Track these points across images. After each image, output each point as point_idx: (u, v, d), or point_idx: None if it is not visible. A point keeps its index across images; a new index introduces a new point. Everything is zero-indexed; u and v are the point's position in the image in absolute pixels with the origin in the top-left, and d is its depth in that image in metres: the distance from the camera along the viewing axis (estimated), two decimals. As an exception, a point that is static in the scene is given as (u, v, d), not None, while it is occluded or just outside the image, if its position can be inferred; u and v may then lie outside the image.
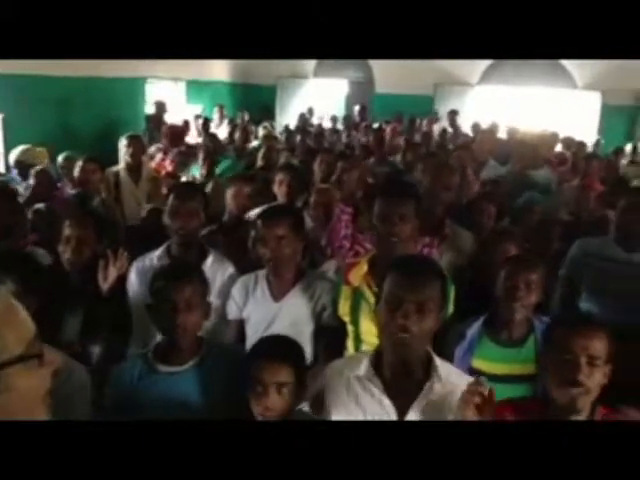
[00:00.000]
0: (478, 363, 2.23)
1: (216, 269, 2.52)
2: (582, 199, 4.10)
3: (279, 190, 3.67)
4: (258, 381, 1.75)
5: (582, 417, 1.68)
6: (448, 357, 2.32)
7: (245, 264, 2.68)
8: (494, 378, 2.12)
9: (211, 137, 6.70)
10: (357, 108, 9.56)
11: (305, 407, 2.13)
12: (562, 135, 7.88)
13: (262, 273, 2.48)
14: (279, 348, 1.85)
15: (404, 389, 1.65)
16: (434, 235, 2.80)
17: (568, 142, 7.59)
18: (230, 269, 2.60)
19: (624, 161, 6.79)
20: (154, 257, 2.58)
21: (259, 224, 2.42)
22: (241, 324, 2.47)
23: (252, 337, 2.35)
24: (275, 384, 1.75)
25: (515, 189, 4.56)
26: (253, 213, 3.30)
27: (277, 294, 2.42)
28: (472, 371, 2.22)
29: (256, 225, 2.48)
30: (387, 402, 1.64)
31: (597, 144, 7.71)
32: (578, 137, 8.42)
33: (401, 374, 1.65)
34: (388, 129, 8.32)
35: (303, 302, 2.40)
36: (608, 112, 9.82)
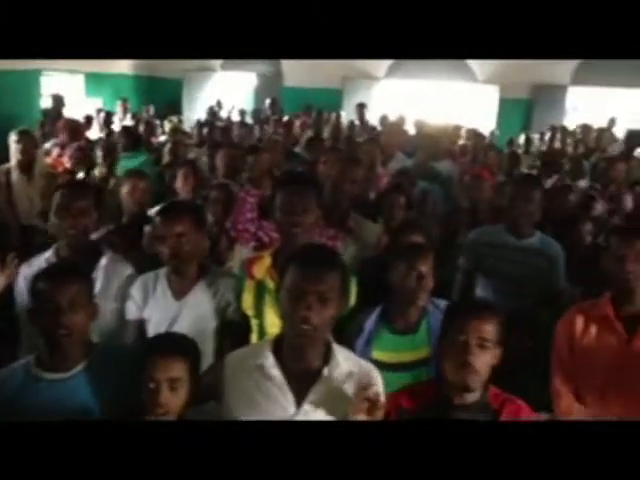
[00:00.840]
0: (377, 354, 2.26)
1: (112, 270, 2.43)
2: (475, 189, 4.25)
3: (180, 186, 3.58)
4: (150, 378, 1.74)
5: (475, 397, 1.76)
6: (348, 348, 2.35)
7: (145, 263, 2.58)
8: (394, 367, 2.20)
9: (125, 132, 6.25)
10: (268, 101, 9.49)
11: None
12: (466, 128, 8.19)
13: (162, 271, 2.42)
14: (171, 344, 1.85)
15: (303, 376, 1.68)
16: (338, 228, 2.82)
17: (470, 134, 7.88)
18: (128, 269, 2.51)
19: (519, 151, 7.12)
20: (43, 260, 2.44)
21: (157, 221, 2.36)
22: (142, 324, 2.39)
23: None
24: (167, 380, 1.73)
25: (418, 180, 4.68)
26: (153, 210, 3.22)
27: (178, 292, 2.37)
28: (373, 362, 2.22)
29: (154, 222, 2.40)
30: (286, 389, 1.67)
31: (492, 135, 8.05)
32: (479, 129, 8.81)
33: (301, 361, 1.69)
34: (297, 122, 8.35)
35: (206, 299, 2.36)
36: (506, 105, 10.30)
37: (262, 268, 2.29)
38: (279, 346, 1.72)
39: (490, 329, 1.76)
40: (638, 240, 2.21)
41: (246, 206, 3.18)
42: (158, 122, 7.87)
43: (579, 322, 2.31)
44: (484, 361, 1.74)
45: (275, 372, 1.68)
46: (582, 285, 2.93)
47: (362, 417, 1.58)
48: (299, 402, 1.66)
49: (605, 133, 7.53)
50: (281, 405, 1.66)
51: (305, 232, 2.22)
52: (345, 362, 1.72)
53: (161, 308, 2.35)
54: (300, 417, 1.65)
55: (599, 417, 2.25)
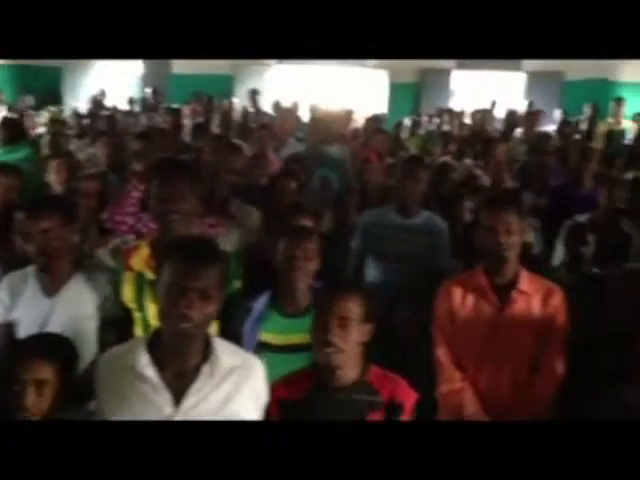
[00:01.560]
0: (266, 336, 2.26)
1: None
2: (364, 171, 4.33)
3: (53, 179, 3.37)
4: (17, 380, 1.65)
5: (352, 377, 1.77)
6: (237, 333, 2.31)
7: (13, 262, 2.41)
8: (282, 349, 2.20)
9: (5, 123, 5.69)
10: (149, 90, 9.16)
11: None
12: (357, 112, 8.30)
13: (31, 269, 2.27)
14: (37, 345, 1.77)
15: (182, 374, 1.61)
16: (219, 215, 2.78)
17: (361, 118, 8.00)
18: None
19: (405, 134, 7.31)
20: None
21: (22, 218, 2.21)
22: (10, 327, 2.22)
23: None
24: (33, 382, 1.65)
25: (311, 165, 4.69)
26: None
27: (50, 290, 2.24)
28: (260, 344, 2.26)
29: (19, 219, 2.24)
30: (162, 389, 1.59)
31: (380, 119, 8.25)
32: (371, 113, 8.97)
33: (179, 359, 1.61)
34: (187, 110, 8.12)
35: (82, 295, 2.25)
36: (395, 89, 10.55)
37: (140, 259, 2.21)
38: (155, 343, 1.63)
39: (352, 307, 1.76)
40: (506, 213, 2.30)
41: (129, 200, 3.05)
42: (34, 113, 7.39)
43: (456, 294, 2.39)
44: (348, 339, 1.74)
45: (149, 372, 1.59)
46: (465, 260, 3.03)
47: None
48: (178, 401, 1.59)
49: (486, 114, 7.86)
50: (157, 406, 1.58)
51: (182, 220, 2.15)
52: (226, 356, 1.66)
53: (31, 308, 2.21)
54: (179, 417, 1.58)
55: (478, 384, 2.35)
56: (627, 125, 7.11)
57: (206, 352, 1.63)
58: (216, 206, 2.79)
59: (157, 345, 1.62)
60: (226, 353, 1.67)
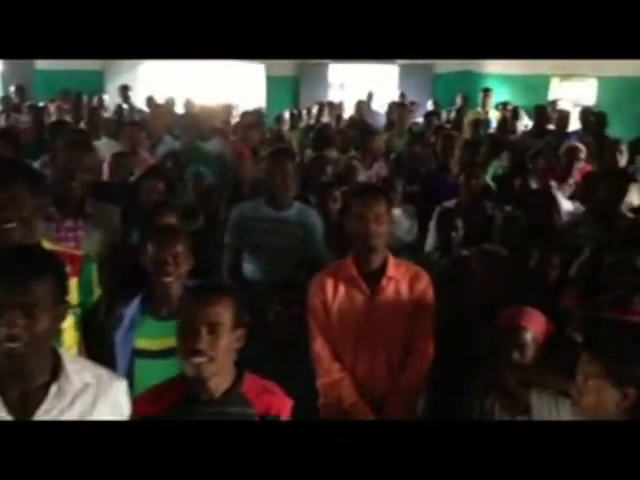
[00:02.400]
0: (141, 342, 2.17)
1: None
2: (237, 166, 4.32)
3: None
4: None
5: (224, 387, 1.68)
6: (109, 343, 2.19)
7: None
8: (160, 354, 2.12)
9: None
10: (12, 89, 8.53)
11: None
12: (236, 106, 8.18)
13: None
14: None
15: (27, 396, 1.46)
16: (76, 217, 2.61)
17: (239, 113, 7.90)
18: None
19: (286, 127, 7.31)
20: None
21: None
22: None
23: None
24: None
25: (187, 162, 4.56)
26: None
27: None
28: (137, 351, 2.17)
29: None
30: (3, 414, 1.44)
31: (257, 113, 8.22)
32: (250, 108, 8.88)
33: (20, 381, 1.46)
34: (52, 107, 7.65)
35: None
36: (273, 83, 10.51)
37: None
38: None
39: (222, 312, 1.66)
40: (375, 202, 2.33)
41: None
42: None
43: (328, 285, 2.39)
44: (219, 347, 1.64)
45: None
46: (338, 250, 3.05)
47: None
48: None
49: (363, 106, 8.03)
50: None
51: (20, 227, 1.99)
52: (78, 374, 1.53)
53: None
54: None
55: (356, 372, 2.37)
56: (493, 114, 7.52)
57: (55, 370, 1.50)
58: (72, 209, 2.61)
59: None
60: (78, 370, 1.53)
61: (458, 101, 8.09)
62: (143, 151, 5.05)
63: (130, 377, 2.05)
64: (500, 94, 8.65)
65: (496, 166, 5.02)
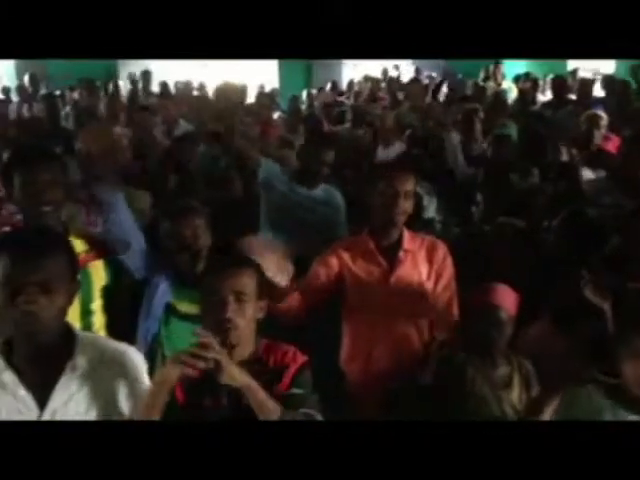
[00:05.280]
0: (176, 303, 2.24)
1: None
2: (263, 144, 4.27)
3: None
4: None
5: (246, 353, 1.69)
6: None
7: None
8: (188, 317, 2.16)
9: None
10: (27, 78, 8.58)
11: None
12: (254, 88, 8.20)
13: None
14: None
15: (44, 374, 1.48)
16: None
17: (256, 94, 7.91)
18: None
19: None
20: None
21: None
22: None
23: None
24: None
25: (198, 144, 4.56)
26: None
27: None
28: (170, 311, 2.23)
29: None
30: (23, 392, 1.46)
31: (273, 94, 8.18)
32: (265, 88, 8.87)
33: (37, 359, 1.48)
34: (69, 95, 7.70)
35: None
36: (285, 65, 10.43)
37: None
38: (10, 348, 1.49)
39: (248, 282, 1.69)
40: (407, 179, 2.31)
41: None
42: None
43: (345, 257, 2.38)
44: (245, 316, 1.66)
45: (6, 377, 1.46)
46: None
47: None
48: (42, 403, 1.47)
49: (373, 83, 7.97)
50: (20, 413, 1.46)
51: (54, 211, 2.04)
52: (94, 351, 1.55)
53: None
54: (47, 417, 1.47)
55: (380, 347, 2.35)
56: (509, 86, 7.37)
57: (70, 347, 1.52)
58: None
59: (11, 349, 1.49)
60: (93, 347, 1.56)
61: (481, 74, 7.95)
62: (158, 135, 5.07)
63: (159, 341, 2.19)
64: (519, 66, 8.49)
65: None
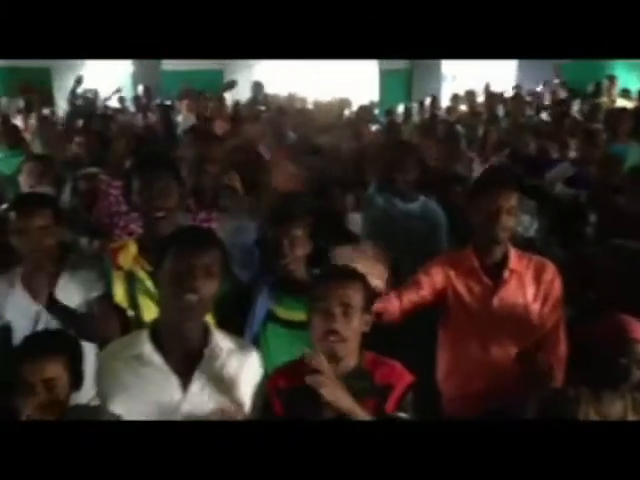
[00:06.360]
0: (277, 310, 2.26)
1: None
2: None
3: (23, 180, 3.39)
4: (24, 382, 1.66)
5: (351, 365, 1.72)
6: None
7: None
8: (288, 324, 2.21)
9: (12, 129, 5.47)
10: (141, 88, 9.13)
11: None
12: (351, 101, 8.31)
13: (17, 271, 2.24)
14: (40, 344, 1.78)
15: (185, 359, 1.64)
16: (210, 208, 2.75)
17: (354, 107, 8.01)
18: None
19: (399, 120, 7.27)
20: None
21: (13, 216, 2.18)
22: (5, 330, 2.20)
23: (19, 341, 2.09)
24: (42, 381, 1.66)
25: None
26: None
27: (37, 292, 2.18)
28: (271, 317, 2.25)
29: (8, 217, 2.21)
30: (170, 374, 1.63)
31: (371, 107, 8.23)
32: (363, 102, 8.95)
33: (181, 344, 1.65)
34: (179, 106, 8.11)
35: (70, 293, 2.22)
36: (386, 76, 10.49)
37: (128, 257, 2.19)
38: (157, 332, 1.67)
39: (355, 295, 1.71)
40: (510, 195, 2.27)
41: (109, 199, 3.03)
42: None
43: (448, 272, 2.36)
44: (352, 328, 1.69)
45: (156, 358, 1.63)
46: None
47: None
48: (185, 386, 1.63)
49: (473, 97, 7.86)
50: (166, 391, 1.62)
51: (168, 217, 2.14)
52: (225, 341, 1.71)
53: (20, 311, 2.19)
54: (187, 401, 1.62)
55: (485, 365, 2.30)
56: (620, 102, 7.05)
57: (206, 337, 1.67)
58: (207, 200, 2.77)
59: (159, 334, 1.66)
60: (224, 338, 1.72)
61: (590, 89, 7.65)
62: (264, 146, 5.25)
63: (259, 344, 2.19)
64: (627, 81, 8.12)
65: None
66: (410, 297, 2.34)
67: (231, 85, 8.25)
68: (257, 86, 8.86)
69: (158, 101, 8.43)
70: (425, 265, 2.43)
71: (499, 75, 10.40)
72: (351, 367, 1.73)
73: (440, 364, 2.46)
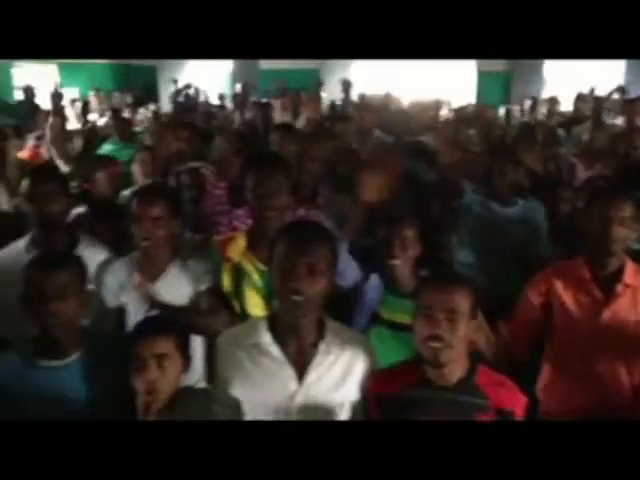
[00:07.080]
0: (382, 312, 2.31)
1: (88, 255, 2.36)
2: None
3: (136, 171, 3.55)
4: (138, 357, 1.73)
5: (459, 375, 1.69)
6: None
7: (121, 248, 2.54)
8: (392, 325, 2.25)
9: (125, 122, 5.83)
10: (239, 86, 9.38)
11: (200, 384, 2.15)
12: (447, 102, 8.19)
13: (134, 256, 2.37)
14: (155, 322, 1.87)
15: (301, 352, 1.68)
16: (308, 206, 2.78)
17: (450, 109, 7.89)
18: (103, 254, 2.46)
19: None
20: (16, 249, 2.40)
21: (134, 204, 2.30)
22: (121, 311, 2.35)
23: (133, 323, 2.22)
24: (154, 357, 1.73)
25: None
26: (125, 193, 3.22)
27: (150, 277, 2.31)
28: (376, 319, 2.31)
29: (130, 204, 2.34)
30: (287, 365, 1.67)
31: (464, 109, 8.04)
32: (460, 104, 8.80)
33: (297, 338, 1.68)
34: (278, 104, 8.25)
35: (180, 283, 2.32)
36: (485, 78, 10.27)
37: (237, 250, 2.26)
38: (273, 324, 1.71)
39: (461, 301, 1.65)
40: (623, 205, 2.18)
41: (213, 199, 3.15)
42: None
43: (557, 284, 2.30)
44: (456, 334, 1.63)
45: (274, 349, 1.67)
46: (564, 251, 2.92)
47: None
48: (300, 378, 1.67)
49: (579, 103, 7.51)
50: (283, 382, 1.66)
51: (277, 216, 2.18)
52: (339, 336, 1.73)
53: (136, 294, 2.30)
54: (302, 392, 1.66)
55: (592, 380, 2.23)
56: None
57: (321, 331, 1.70)
58: (305, 197, 2.82)
59: (275, 325, 1.70)
60: (339, 332, 1.73)
61: None
62: (355, 144, 5.26)
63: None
64: None
65: None
66: (521, 318, 2.38)
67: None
68: (345, 84, 8.85)
69: (255, 99, 8.63)
70: (532, 279, 2.38)
71: (605, 78, 9.94)
72: (459, 377, 1.69)
73: (542, 373, 2.40)
